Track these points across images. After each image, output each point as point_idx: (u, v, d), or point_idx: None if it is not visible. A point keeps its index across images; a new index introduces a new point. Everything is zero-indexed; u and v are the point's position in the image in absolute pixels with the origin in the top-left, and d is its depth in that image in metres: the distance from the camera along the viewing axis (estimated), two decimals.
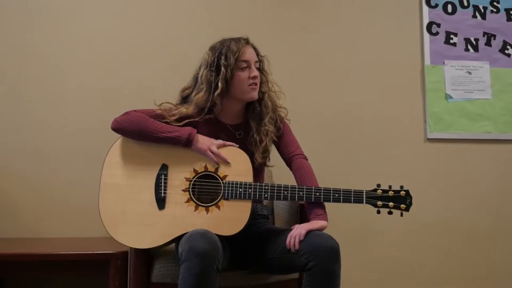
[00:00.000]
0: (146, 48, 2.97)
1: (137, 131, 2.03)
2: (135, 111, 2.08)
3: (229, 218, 1.96)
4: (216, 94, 2.05)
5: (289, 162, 2.18)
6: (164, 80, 2.90)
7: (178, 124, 2.07)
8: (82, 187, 2.79)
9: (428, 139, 3.18)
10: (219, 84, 2.04)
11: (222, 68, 2.04)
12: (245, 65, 2.07)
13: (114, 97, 2.87)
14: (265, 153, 2.14)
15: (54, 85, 2.88)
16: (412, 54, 3.22)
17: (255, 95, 2.11)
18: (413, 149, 3.17)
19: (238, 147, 2.06)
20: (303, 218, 2.19)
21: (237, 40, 2.10)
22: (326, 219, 2.00)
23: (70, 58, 2.91)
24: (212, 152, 2.01)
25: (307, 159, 2.18)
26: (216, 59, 2.07)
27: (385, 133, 3.15)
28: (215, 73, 2.06)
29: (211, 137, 2.07)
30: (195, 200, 2.00)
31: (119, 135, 2.09)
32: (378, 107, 3.16)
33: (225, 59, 2.04)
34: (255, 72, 2.08)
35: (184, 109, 2.09)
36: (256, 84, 2.09)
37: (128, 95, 2.87)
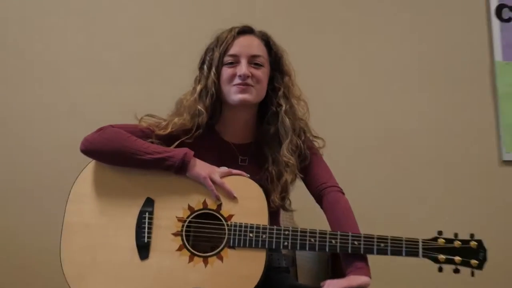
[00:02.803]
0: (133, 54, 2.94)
1: (115, 152, 1.84)
2: (112, 126, 1.90)
3: (236, 273, 1.77)
4: (201, 95, 1.92)
5: (319, 196, 1.98)
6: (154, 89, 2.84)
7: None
8: (39, 230, 2.69)
9: (504, 161, 2.97)
10: (202, 83, 1.93)
11: (205, 65, 1.96)
12: (231, 60, 1.91)
13: (79, 112, 2.80)
14: (284, 192, 1.96)
15: None
16: (477, 47, 3.03)
17: (242, 98, 1.88)
18: (483, 175, 2.95)
19: (249, 177, 1.86)
20: (336, 271, 2.00)
21: (230, 29, 1.97)
22: (369, 274, 1.78)
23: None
24: (214, 182, 1.81)
25: (343, 193, 1.97)
26: (204, 54, 2.00)
27: (445, 153, 2.96)
28: (201, 72, 1.98)
29: (207, 157, 1.90)
30: (190, 248, 1.80)
31: (89, 159, 1.92)
32: (434, 119, 2.98)
33: (211, 54, 1.95)
34: (243, 69, 1.88)
35: (176, 119, 1.93)
36: (245, 85, 1.88)
37: (104, 108, 2.76)
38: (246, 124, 2.00)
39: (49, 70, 2.85)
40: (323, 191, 1.96)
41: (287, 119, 1.94)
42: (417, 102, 2.98)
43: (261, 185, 1.89)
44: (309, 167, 2.01)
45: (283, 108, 1.95)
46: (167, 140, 1.91)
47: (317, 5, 3.02)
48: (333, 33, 3.00)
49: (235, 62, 1.90)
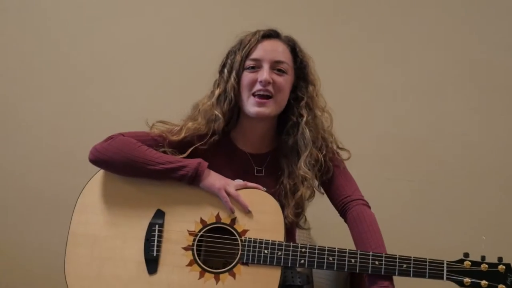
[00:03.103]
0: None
1: (125, 162, 1.77)
2: (122, 134, 1.83)
3: None
4: (219, 100, 1.83)
5: (343, 210, 1.89)
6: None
7: (181, 156, 1.84)
8: (44, 240, 2.63)
9: None
10: (221, 87, 1.84)
11: (226, 68, 1.85)
12: (252, 64, 1.81)
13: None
14: (299, 208, 1.88)
15: None
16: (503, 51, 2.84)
17: (259, 111, 1.79)
18: None
19: (266, 191, 1.78)
20: None
21: (255, 32, 1.85)
22: None
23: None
24: (229, 194, 1.74)
25: (369, 206, 1.88)
26: (226, 57, 1.88)
27: (480, 170, 2.79)
28: (221, 75, 1.88)
29: (221, 166, 1.84)
30: (201, 264, 1.72)
31: (98, 169, 1.85)
32: (467, 129, 2.80)
33: (233, 57, 1.84)
34: (264, 75, 1.77)
35: (190, 123, 1.85)
36: (265, 91, 1.78)
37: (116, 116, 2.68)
38: (264, 134, 1.91)
39: (59, 74, 2.79)
40: (347, 205, 1.87)
41: (308, 131, 1.84)
42: (449, 110, 2.85)
43: (276, 198, 1.83)
44: (332, 179, 1.91)
45: (304, 118, 1.85)
46: (181, 147, 1.84)
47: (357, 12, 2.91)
48: (364, 36, 2.88)
49: (256, 67, 1.81)
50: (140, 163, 1.75)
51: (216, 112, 1.81)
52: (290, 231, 1.90)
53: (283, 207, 1.79)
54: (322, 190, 1.93)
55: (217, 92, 1.84)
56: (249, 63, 1.80)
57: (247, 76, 1.80)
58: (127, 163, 1.76)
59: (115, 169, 1.80)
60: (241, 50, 1.82)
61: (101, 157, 1.78)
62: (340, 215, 1.90)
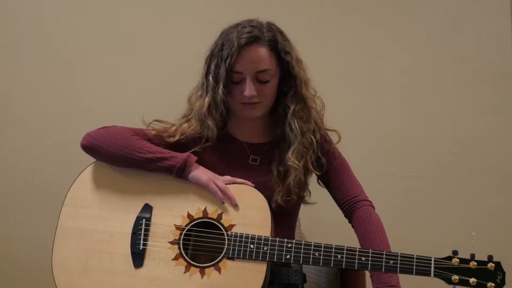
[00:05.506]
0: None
1: (116, 149, 1.78)
2: (114, 126, 1.85)
3: (234, 286, 1.66)
4: (210, 109, 1.81)
5: (349, 210, 1.87)
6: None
7: None
8: (33, 233, 2.60)
9: None
10: (210, 96, 1.80)
11: (211, 76, 1.79)
12: (237, 79, 1.76)
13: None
14: (289, 195, 1.83)
15: None
16: (500, 48, 2.80)
17: (250, 115, 1.81)
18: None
19: (254, 187, 1.76)
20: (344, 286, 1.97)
21: (232, 41, 1.75)
22: None
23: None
24: (218, 188, 1.74)
25: (374, 208, 1.87)
26: (209, 59, 1.82)
27: (470, 166, 2.75)
28: (207, 80, 1.82)
29: (216, 154, 1.86)
30: (187, 258, 1.70)
31: (87, 163, 1.85)
32: (458, 125, 2.78)
33: (215, 67, 1.78)
34: (249, 90, 1.74)
35: (185, 125, 1.84)
36: (252, 103, 1.78)
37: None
38: (258, 126, 1.90)
39: (51, 71, 2.78)
40: (355, 205, 1.86)
41: (295, 122, 1.82)
42: (439, 106, 2.82)
43: (268, 186, 1.80)
44: (335, 174, 1.90)
45: (291, 110, 1.82)
46: (176, 149, 1.83)
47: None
48: (357, 31, 2.88)
49: (241, 80, 1.77)
50: (131, 151, 1.76)
51: (209, 122, 1.81)
52: (289, 218, 1.90)
53: (274, 192, 1.79)
54: (317, 171, 1.89)
55: (207, 100, 1.81)
56: (233, 76, 1.77)
57: (234, 89, 1.78)
58: (118, 150, 1.77)
59: (106, 156, 1.80)
60: (224, 62, 1.75)
61: (93, 142, 1.78)
62: (345, 214, 1.89)
